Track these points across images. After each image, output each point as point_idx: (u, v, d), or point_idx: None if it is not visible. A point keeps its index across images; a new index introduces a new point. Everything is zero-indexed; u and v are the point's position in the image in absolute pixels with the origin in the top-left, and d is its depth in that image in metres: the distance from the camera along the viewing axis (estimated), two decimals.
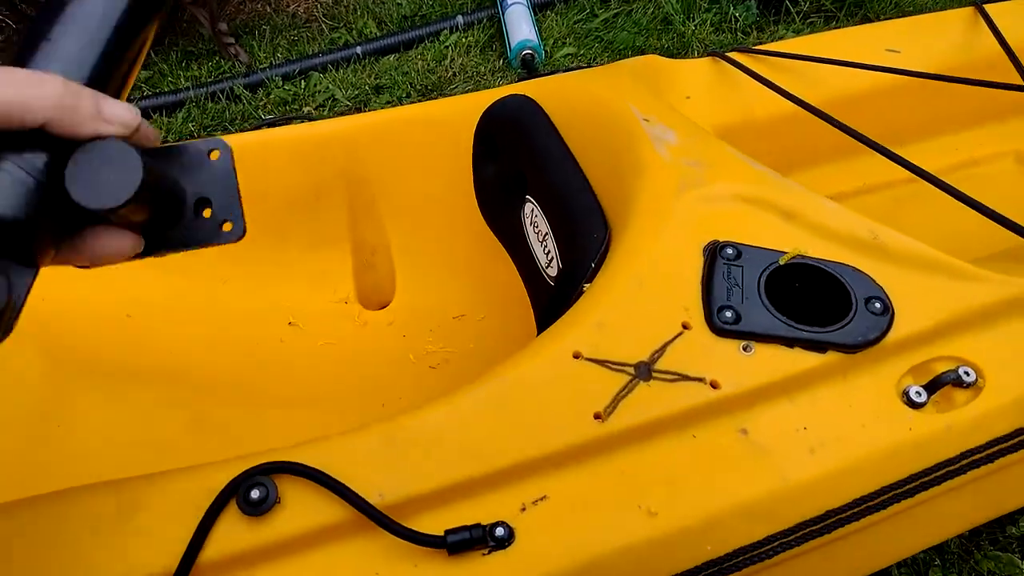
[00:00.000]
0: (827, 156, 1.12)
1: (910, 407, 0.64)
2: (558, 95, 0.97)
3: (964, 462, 0.63)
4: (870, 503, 0.62)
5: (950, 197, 0.81)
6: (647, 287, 0.66)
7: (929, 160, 0.90)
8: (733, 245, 0.67)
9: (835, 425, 0.62)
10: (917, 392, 0.64)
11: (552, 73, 1.18)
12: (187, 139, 1.60)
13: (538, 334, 0.95)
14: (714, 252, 0.67)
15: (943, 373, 0.65)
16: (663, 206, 0.71)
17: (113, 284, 1.05)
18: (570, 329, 0.65)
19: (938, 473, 0.63)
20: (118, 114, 0.39)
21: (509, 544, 0.57)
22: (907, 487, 0.63)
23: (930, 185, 0.83)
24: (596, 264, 0.71)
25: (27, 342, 0.97)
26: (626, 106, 0.83)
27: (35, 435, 0.91)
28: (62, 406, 0.93)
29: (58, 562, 0.53)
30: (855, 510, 0.61)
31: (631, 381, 0.62)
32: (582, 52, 2.04)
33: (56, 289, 1.01)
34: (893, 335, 0.65)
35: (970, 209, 0.78)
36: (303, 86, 2.01)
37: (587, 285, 0.70)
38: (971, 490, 0.68)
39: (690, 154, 0.75)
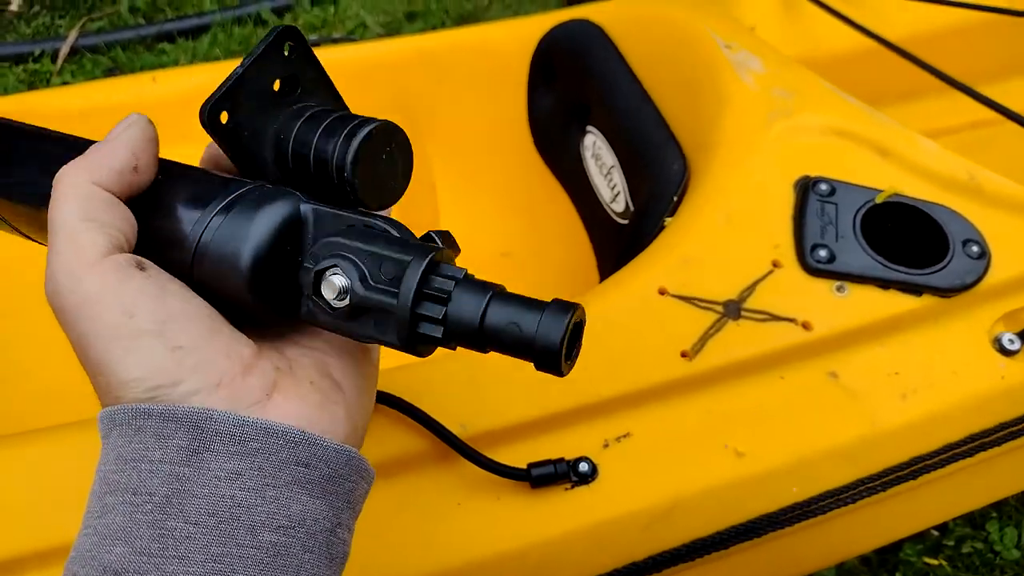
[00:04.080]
0: (898, 96, 1.08)
1: (1002, 355, 0.62)
2: (623, 19, 0.92)
3: None
4: (957, 451, 0.60)
5: None
6: (735, 222, 0.63)
7: (1008, 101, 0.86)
8: (827, 181, 0.64)
9: (927, 371, 0.60)
10: (1010, 340, 0.62)
11: None
12: (214, 62, 1.54)
13: (599, 268, 0.93)
14: (806, 187, 0.64)
15: None
16: (750, 138, 0.67)
17: None
18: (654, 264, 0.62)
19: None
20: None
21: (592, 480, 0.56)
22: (995, 436, 0.61)
23: (1010, 128, 0.80)
24: (679, 198, 0.68)
25: None
26: (704, 30, 0.78)
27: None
28: None
29: None
30: (942, 457, 0.60)
31: (719, 319, 0.60)
32: None
33: None
34: (988, 280, 0.63)
35: None
36: (332, 11, 1.95)
37: (668, 219, 0.68)
38: None
39: (778, 83, 0.71)
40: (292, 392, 0.32)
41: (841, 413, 0.58)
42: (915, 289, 0.61)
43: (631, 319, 0.60)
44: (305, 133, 0.35)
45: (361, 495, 0.34)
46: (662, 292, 0.61)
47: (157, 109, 1.10)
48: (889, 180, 0.65)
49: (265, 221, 0.32)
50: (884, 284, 0.61)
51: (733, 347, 0.59)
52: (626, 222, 0.82)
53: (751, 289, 0.61)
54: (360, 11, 1.93)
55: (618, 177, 0.85)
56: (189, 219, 0.33)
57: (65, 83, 1.71)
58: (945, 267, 0.62)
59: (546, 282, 0.99)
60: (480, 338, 0.30)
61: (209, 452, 0.29)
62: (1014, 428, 0.61)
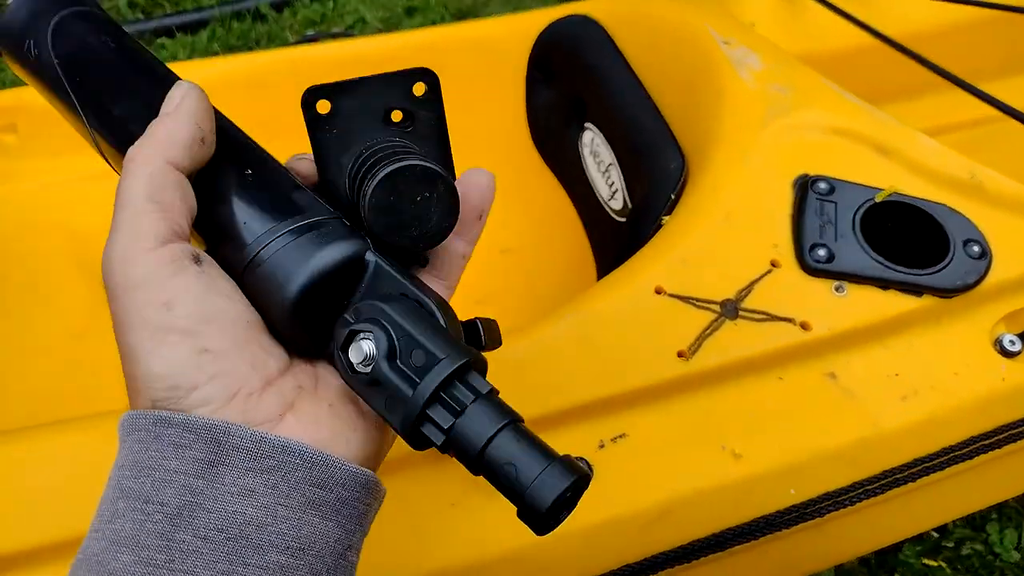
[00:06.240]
0: (898, 93, 1.07)
1: (1003, 356, 0.61)
2: (622, 15, 0.91)
3: None
4: (957, 453, 0.60)
5: None
6: (733, 221, 0.63)
7: (1010, 99, 0.85)
8: (826, 179, 0.63)
9: (927, 372, 0.60)
10: (1011, 341, 0.61)
11: None
12: (212, 57, 1.54)
13: (597, 266, 0.92)
14: (805, 186, 0.64)
15: None
16: (749, 135, 0.67)
17: None
18: (651, 263, 0.62)
19: None
20: None
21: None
22: (996, 438, 0.60)
23: (1012, 125, 0.79)
24: (676, 196, 0.68)
25: (66, 261, 0.94)
26: (702, 27, 0.77)
27: (73, 357, 0.89)
28: (101, 326, 0.91)
29: None
30: (942, 459, 0.59)
31: (716, 319, 0.59)
32: None
33: (95, 208, 0.98)
34: (989, 280, 0.62)
35: None
36: (331, 6, 1.94)
37: (666, 218, 0.67)
38: None
39: (776, 80, 0.70)
40: (307, 414, 0.32)
41: (840, 414, 0.58)
42: (915, 289, 0.61)
43: (628, 318, 0.59)
44: (376, 163, 0.34)
45: (372, 515, 0.34)
46: (659, 291, 0.60)
47: None
48: (889, 179, 0.65)
49: (327, 257, 0.32)
50: (884, 284, 0.61)
51: (730, 347, 0.58)
52: (624, 220, 0.82)
53: (749, 289, 0.60)
54: (359, 6, 1.92)
55: (616, 175, 0.84)
56: (258, 225, 0.33)
57: None
58: (946, 267, 0.61)
59: (544, 279, 0.98)
60: (476, 463, 0.29)
61: (224, 466, 0.29)
62: (1014, 430, 0.60)
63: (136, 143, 0.33)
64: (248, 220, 0.33)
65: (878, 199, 0.63)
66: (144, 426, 0.29)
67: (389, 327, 0.31)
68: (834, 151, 0.66)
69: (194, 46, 1.84)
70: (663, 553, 0.55)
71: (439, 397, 0.30)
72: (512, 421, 0.30)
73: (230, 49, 1.84)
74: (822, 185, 0.63)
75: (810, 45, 1.07)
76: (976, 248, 0.62)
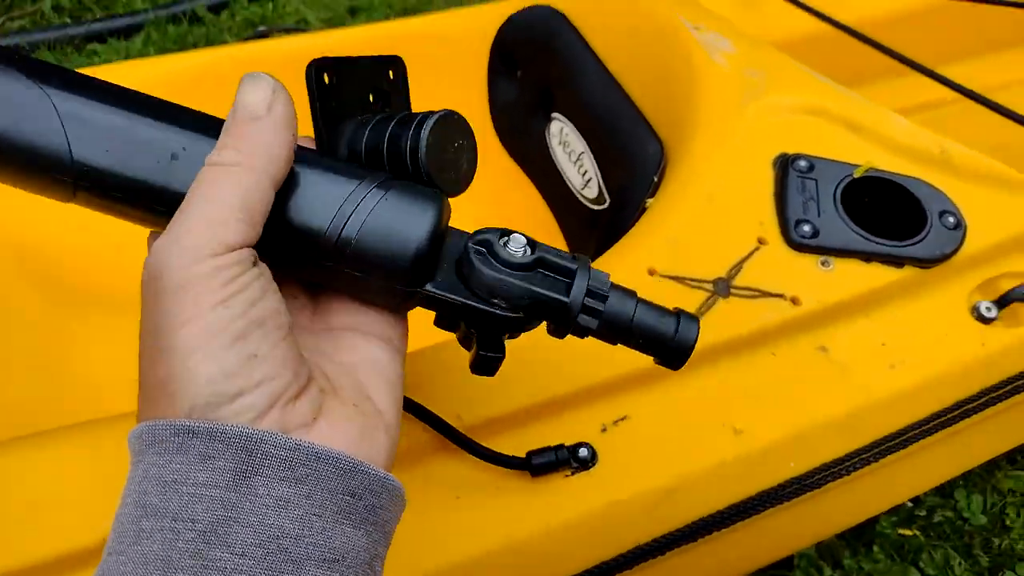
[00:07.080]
0: (857, 79, 1.09)
1: (981, 322, 0.63)
2: (585, 4, 0.91)
3: None
4: (944, 418, 0.61)
5: (992, 118, 0.80)
6: (718, 202, 0.63)
7: (963, 81, 0.88)
8: (805, 157, 0.64)
9: (912, 341, 0.61)
10: (987, 307, 0.63)
11: None
12: (150, 58, 1.47)
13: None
14: (785, 164, 0.64)
15: (1013, 288, 0.64)
16: (727, 117, 0.67)
17: (104, 216, 0.97)
18: (640, 245, 0.62)
19: (1007, 388, 0.63)
20: None
21: (592, 465, 0.54)
22: (978, 402, 0.62)
23: (969, 106, 0.82)
24: (659, 179, 0.68)
25: (21, 277, 0.89)
26: (672, 14, 0.78)
27: (37, 370, 0.84)
28: (61, 340, 0.86)
29: None
30: (931, 424, 0.61)
31: (710, 298, 0.59)
32: None
33: (47, 223, 0.93)
34: (964, 250, 0.64)
35: (1017, 127, 0.77)
36: (271, 7, 1.89)
37: (650, 200, 0.67)
38: None
39: (750, 63, 0.71)
40: (337, 416, 0.31)
41: (833, 386, 0.59)
42: (897, 261, 0.62)
43: None
44: (380, 127, 0.37)
45: (394, 526, 0.33)
46: (652, 272, 0.60)
47: None
48: (864, 155, 0.66)
49: (434, 199, 0.34)
50: (867, 257, 0.62)
51: (725, 325, 0.58)
52: (600, 207, 0.82)
53: (739, 267, 0.60)
54: (300, 7, 1.88)
55: (589, 163, 0.84)
56: (337, 194, 0.33)
57: None
58: (924, 238, 0.63)
59: None
60: (623, 330, 0.36)
61: (257, 476, 0.27)
62: (995, 394, 0.62)
63: (228, 147, 0.31)
64: (331, 186, 0.33)
65: (856, 175, 0.64)
66: (165, 437, 0.28)
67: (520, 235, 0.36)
68: (810, 130, 0.67)
69: (128, 51, 1.77)
70: (670, 533, 0.55)
71: (589, 291, 0.36)
72: (634, 293, 0.37)
73: (166, 53, 1.77)
74: (802, 163, 0.64)
75: (767, 35, 1.09)
76: (951, 219, 0.64)
